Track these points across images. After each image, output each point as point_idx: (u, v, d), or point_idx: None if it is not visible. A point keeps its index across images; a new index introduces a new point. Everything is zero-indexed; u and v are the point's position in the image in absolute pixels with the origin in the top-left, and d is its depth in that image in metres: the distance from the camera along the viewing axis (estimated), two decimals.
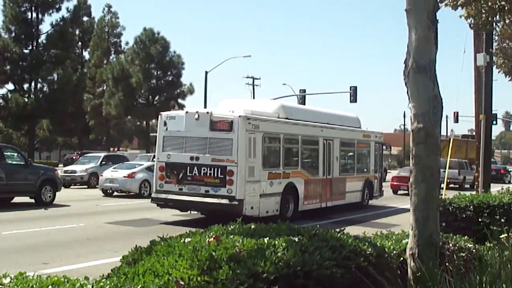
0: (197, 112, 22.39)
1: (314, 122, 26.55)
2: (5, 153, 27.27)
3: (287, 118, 24.72)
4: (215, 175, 21.54)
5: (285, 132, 23.99)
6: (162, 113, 23.79)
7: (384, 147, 34.89)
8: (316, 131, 26.37)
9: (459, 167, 47.88)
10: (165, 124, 22.92)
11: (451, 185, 44.93)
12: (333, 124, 27.97)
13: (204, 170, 21.75)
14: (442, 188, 29.20)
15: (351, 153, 30.03)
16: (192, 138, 22.23)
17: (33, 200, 27.56)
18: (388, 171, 67.99)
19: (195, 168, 21.90)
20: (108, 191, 35.35)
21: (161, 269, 5.24)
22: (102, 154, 46.85)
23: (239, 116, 21.49)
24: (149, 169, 34.02)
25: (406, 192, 34.99)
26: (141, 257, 5.97)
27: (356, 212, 27.30)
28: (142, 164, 37.39)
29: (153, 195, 23.23)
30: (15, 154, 28.53)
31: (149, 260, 5.59)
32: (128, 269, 5.46)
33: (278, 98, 66.46)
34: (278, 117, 24.40)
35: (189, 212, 23.43)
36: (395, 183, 42.21)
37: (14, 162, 27.51)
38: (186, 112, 22.97)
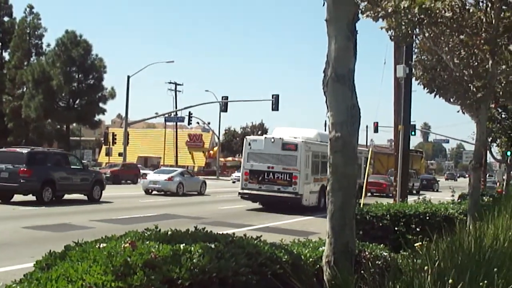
0: (273, 137, 34.26)
1: None
2: (69, 159, 35.50)
3: (321, 141, 33.59)
4: (285, 178, 33.14)
5: (321, 151, 32.82)
6: (247, 137, 36.94)
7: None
8: None
9: (408, 176, 54.09)
10: (249, 144, 34.36)
11: None
12: None
13: (277, 175, 33.31)
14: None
15: None
16: (269, 154, 33.63)
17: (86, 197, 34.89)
18: None
19: (271, 173, 33.43)
20: (149, 191, 45.08)
21: (75, 274, 5.15)
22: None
23: (302, 141, 33.46)
24: (182, 174, 47.75)
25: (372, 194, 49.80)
26: (55, 262, 5.87)
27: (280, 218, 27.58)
28: (177, 170, 50.11)
29: (239, 191, 34.68)
30: (75, 159, 37.41)
31: (63, 265, 5.48)
32: (41, 274, 5.36)
33: (201, 104, 66.40)
34: (317, 141, 35.21)
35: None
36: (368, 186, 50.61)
37: (74, 167, 34.98)
38: (265, 137, 35.12)
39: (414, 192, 59.69)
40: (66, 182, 33.35)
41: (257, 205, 35.23)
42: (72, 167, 34.51)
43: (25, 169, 31.05)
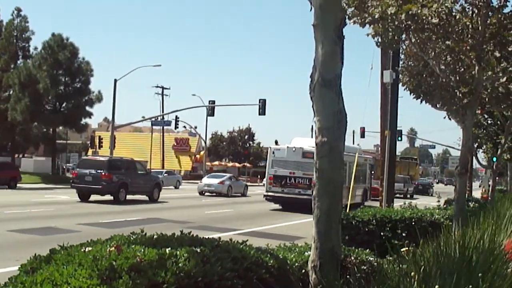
0: (294, 147, 38.53)
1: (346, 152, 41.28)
2: (137, 166, 42.35)
3: None
4: (304, 182, 37.64)
5: None
6: (271, 146, 41.57)
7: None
8: (347, 157, 39.90)
9: (404, 182, 66.43)
10: (273, 153, 39.34)
11: (397, 195, 56.93)
12: (352, 153, 37.40)
13: (298, 180, 37.99)
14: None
15: (359, 171, 40.46)
16: (290, 161, 38.21)
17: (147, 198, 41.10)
18: None
19: (292, 178, 38.16)
20: (203, 192, 53.85)
21: (60, 278, 5.12)
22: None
23: None
24: (230, 178, 56.80)
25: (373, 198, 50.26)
26: (40, 266, 5.83)
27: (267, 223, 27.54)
28: (226, 175, 58.72)
29: (264, 193, 39.63)
30: (141, 166, 44.64)
31: (48, 269, 5.45)
32: (26, 278, 5.33)
33: (187, 108, 66.36)
34: None
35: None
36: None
37: (140, 172, 42.18)
38: (287, 147, 39.19)
39: (408, 196, 64.64)
40: (135, 184, 39.75)
41: (252, 208, 39.34)
42: (139, 172, 41.71)
43: (106, 174, 37.68)
